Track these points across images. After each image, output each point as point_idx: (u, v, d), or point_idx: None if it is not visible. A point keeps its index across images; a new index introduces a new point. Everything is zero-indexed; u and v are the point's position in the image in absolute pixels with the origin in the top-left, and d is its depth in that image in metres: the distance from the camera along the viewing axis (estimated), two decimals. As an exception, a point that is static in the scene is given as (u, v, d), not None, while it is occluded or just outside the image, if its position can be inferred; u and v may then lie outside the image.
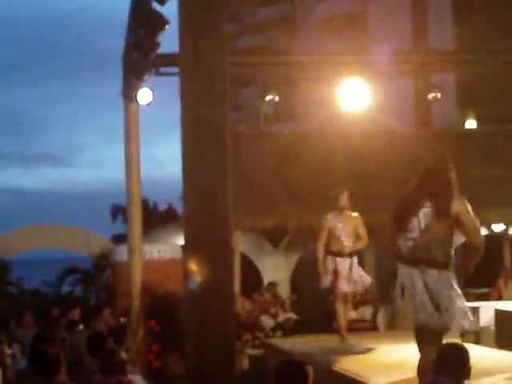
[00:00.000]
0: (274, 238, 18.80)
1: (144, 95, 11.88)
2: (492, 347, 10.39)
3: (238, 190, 10.71)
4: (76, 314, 13.27)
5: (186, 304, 7.25)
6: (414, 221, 7.06)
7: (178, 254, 13.82)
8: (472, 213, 7.06)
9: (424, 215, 7.05)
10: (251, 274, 18.16)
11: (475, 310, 10.88)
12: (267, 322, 14.91)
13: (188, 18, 6.94)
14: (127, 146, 12.72)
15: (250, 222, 14.33)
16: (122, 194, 12.97)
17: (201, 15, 6.89)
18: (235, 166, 8.55)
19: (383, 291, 13.90)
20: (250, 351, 13.15)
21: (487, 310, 11.37)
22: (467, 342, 8.49)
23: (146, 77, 11.50)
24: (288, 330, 14.51)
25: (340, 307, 10.81)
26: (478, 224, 7.11)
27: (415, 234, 7.04)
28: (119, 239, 29.92)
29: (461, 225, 7.02)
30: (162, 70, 12.16)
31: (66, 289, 22.08)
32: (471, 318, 7.28)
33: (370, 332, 13.21)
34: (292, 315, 15.35)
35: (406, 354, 9.22)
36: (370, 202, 13.01)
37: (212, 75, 6.85)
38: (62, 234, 23.97)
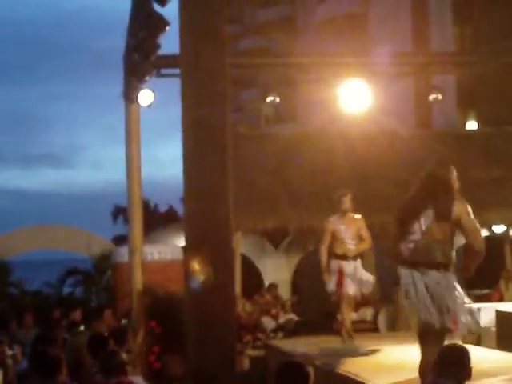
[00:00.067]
0: (275, 239, 18.79)
1: (145, 96, 11.90)
2: (493, 348, 10.39)
3: (238, 191, 10.73)
4: (77, 315, 13.29)
5: (187, 305, 7.26)
6: (416, 223, 7.09)
7: (179, 255, 13.80)
8: (472, 215, 7.08)
9: (425, 217, 7.08)
10: (252, 275, 18.16)
11: (476, 312, 10.87)
12: (268, 323, 14.91)
13: (189, 19, 6.95)
14: (128, 147, 12.74)
15: (250, 223, 14.33)
16: (123, 195, 12.99)
17: (201, 17, 6.90)
18: (236, 167, 8.57)
19: (384, 292, 13.91)
20: (251, 352, 13.15)
21: (488, 312, 11.36)
22: (468, 343, 8.48)
23: (146, 78, 11.52)
24: (289, 331, 14.51)
25: (346, 309, 10.82)
26: (478, 226, 7.13)
27: (416, 237, 7.07)
28: (120, 240, 29.94)
29: (461, 227, 7.05)
30: (163, 71, 12.18)
31: (66, 290, 22.09)
32: (477, 318, 7.32)
33: (370, 333, 13.21)
34: (293, 316, 15.35)
35: (407, 355, 9.22)
36: (371, 203, 13.02)
37: (213, 76, 6.86)
38: (63, 235, 23.99)
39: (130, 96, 12.24)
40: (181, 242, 12.89)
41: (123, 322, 13.05)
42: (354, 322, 12.08)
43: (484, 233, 13.20)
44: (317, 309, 15.11)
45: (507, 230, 17.08)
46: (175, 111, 7.29)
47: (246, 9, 46.41)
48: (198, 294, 6.72)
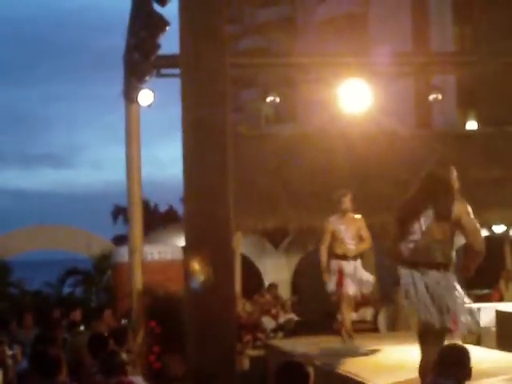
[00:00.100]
0: (275, 239, 18.79)
1: (145, 96, 11.90)
2: (493, 348, 10.40)
3: (238, 191, 10.73)
4: (77, 315, 13.29)
5: (187, 305, 7.26)
6: (416, 223, 7.10)
7: (179, 255, 13.80)
8: (472, 215, 7.09)
9: (425, 217, 7.09)
10: (252, 275, 18.16)
11: (476, 312, 10.87)
12: (268, 323, 14.92)
13: (189, 19, 6.95)
14: (128, 147, 12.74)
15: (250, 223, 14.33)
16: (123, 195, 12.99)
17: (201, 17, 6.89)
18: (236, 167, 8.57)
19: (384, 292, 13.91)
20: (251, 352, 13.15)
21: (488, 312, 11.36)
22: (468, 343, 8.48)
23: (146, 78, 11.52)
24: (289, 331, 14.52)
25: (346, 309, 10.82)
26: (478, 226, 7.15)
27: (416, 237, 7.08)
28: (120, 240, 29.94)
29: (461, 227, 7.06)
30: (163, 71, 12.18)
31: (66, 290, 22.09)
32: (477, 318, 7.33)
33: (370, 333, 13.21)
34: (293, 316, 15.36)
35: (407, 355, 9.22)
36: (371, 203, 13.02)
37: (213, 76, 6.86)
38: (63, 235, 24.00)
39: (130, 96, 12.24)
40: (181, 242, 12.90)
41: (123, 322, 13.05)
42: (353, 322, 12.08)
43: (484, 233, 13.20)
44: (317, 309, 15.11)
45: (507, 230, 17.08)
46: (175, 111, 7.29)
47: (246, 9, 46.41)
48: (198, 294, 6.72)
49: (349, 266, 10.67)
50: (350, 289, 10.69)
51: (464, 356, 5.59)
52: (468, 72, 17.40)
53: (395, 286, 12.14)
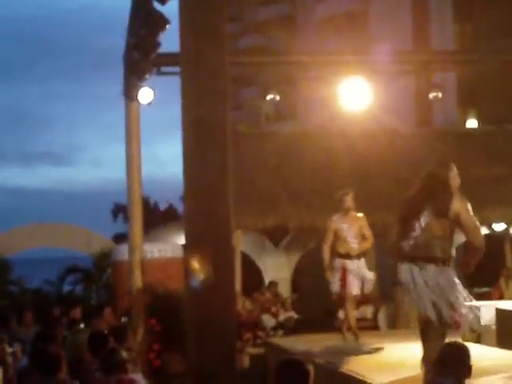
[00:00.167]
0: (275, 237, 18.80)
1: (145, 94, 11.89)
2: (493, 346, 10.40)
3: (238, 189, 10.72)
4: (77, 312, 13.29)
5: (187, 303, 7.25)
6: (416, 221, 7.18)
7: (179, 253, 13.81)
8: (472, 212, 7.14)
9: (425, 214, 7.15)
10: (252, 273, 18.17)
11: (476, 309, 10.88)
12: (268, 321, 14.92)
13: (189, 17, 6.94)
14: (128, 145, 12.73)
15: (250, 221, 14.33)
16: (123, 193, 12.99)
17: (202, 15, 6.89)
18: (236, 166, 8.57)
19: (384, 290, 13.91)
20: (251, 350, 13.16)
21: (488, 310, 11.36)
22: (468, 341, 8.49)
23: (146, 76, 11.51)
24: (289, 329, 14.52)
25: (350, 308, 10.80)
26: (477, 224, 7.20)
27: (417, 233, 7.15)
28: (120, 239, 29.93)
29: (461, 224, 7.11)
30: (163, 69, 12.17)
31: (66, 288, 22.09)
32: (477, 315, 7.39)
33: (371, 331, 13.20)
34: (293, 314, 15.37)
35: (407, 352, 9.23)
36: (371, 201, 13.01)
37: (213, 75, 6.85)
38: (63, 232, 24.00)
39: (130, 94, 12.23)
40: (181, 240, 12.90)
41: (123, 319, 13.06)
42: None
43: (484, 231, 13.21)
44: (317, 307, 15.12)
45: (507, 228, 17.08)
46: (175, 109, 7.29)
47: (247, 7, 46.37)
48: (198, 292, 6.72)
49: (352, 265, 10.66)
50: (354, 288, 10.68)
51: (464, 354, 5.59)
52: (468, 70, 17.39)
53: (395, 285, 12.17)
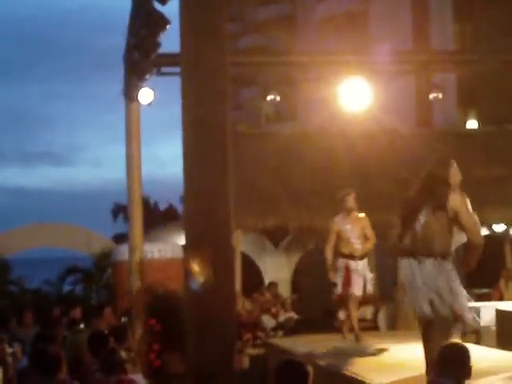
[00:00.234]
0: (275, 237, 18.79)
1: (145, 95, 11.89)
2: (493, 347, 10.39)
3: (238, 189, 10.71)
4: (77, 312, 13.28)
5: (187, 303, 7.26)
6: (416, 219, 7.30)
7: (179, 253, 13.80)
8: (471, 208, 7.23)
9: (424, 212, 7.28)
10: (252, 273, 18.16)
11: (476, 310, 10.89)
12: (268, 321, 14.91)
13: (189, 17, 6.94)
14: (128, 145, 12.74)
15: (250, 221, 14.32)
16: (123, 193, 12.99)
17: (202, 15, 6.89)
18: (236, 166, 8.57)
19: (384, 291, 13.91)
20: (251, 351, 13.15)
21: (488, 311, 11.37)
22: (468, 341, 8.48)
23: (147, 76, 11.51)
24: (289, 329, 14.51)
25: (354, 309, 10.78)
26: (476, 220, 7.28)
27: (416, 230, 7.29)
28: (120, 239, 29.91)
29: (460, 221, 7.20)
30: (163, 69, 12.17)
31: (66, 288, 22.07)
32: (474, 315, 7.46)
33: (371, 332, 13.19)
34: (293, 315, 15.35)
35: (407, 353, 9.23)
36: (372, 201, 13.00)
37: (213, 75, 6.85)
38: (63, 232, 23.99)
39: (130, 94, 12.23)
40: (181, 240, 12.90)
41: (123, 320, 13.05)
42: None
43: (484, 232, 13.21)
44: (317, 307, 15.11)
45: (507, 229, 17.07)
46: (175, 109, 7.29)
47: (247, 7, 46.36)
48: (198, 293, 6.72)
49: (356, 266, 10.65)
50: (358, 289, 10.67)
51: (464, 355, 5.58)
52: (468, 70, 17.38)
53: (395, 285, 12.19)
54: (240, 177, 12.28)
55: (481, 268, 7.45)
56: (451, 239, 7.36)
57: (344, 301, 10.84)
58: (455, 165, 7.42)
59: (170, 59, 11.53)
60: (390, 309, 14.09)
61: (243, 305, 14.86)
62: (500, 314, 11.14)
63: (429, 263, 7.24)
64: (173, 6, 8.36)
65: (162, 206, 50.58)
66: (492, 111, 23.31)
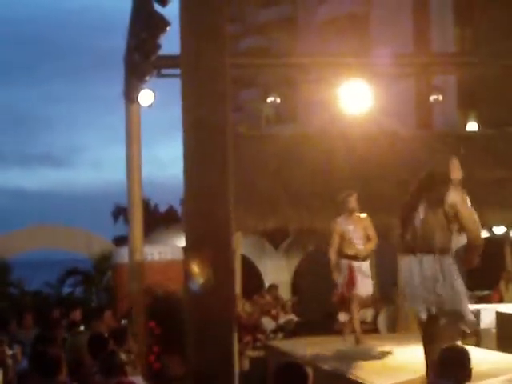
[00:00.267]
0: (275, 239, 18.78)
1: (145, 96, 11.90)
2: (493, 350, 10.39)
3: (239, 191, 10.70)
4: (77, 314, 13.28)
5: (187, 305, 7.25)
6: (416, 217, 7.41)
7: (179, 255, 13.80)
8: (469, 204, 7.30)
9: (422, 208, 7.37)
10: (252, 275, 18.14)
11: (476, 313, 10.88)
12: (268, 323, 14.90)
13: (189, 19, 6.94)
14: (128, 147, 12.73)
15: (251, 223, 14.32)
16: (124, 195, 12.99)
17: (202, 16, 6.88)
18: (236, 168, 8.56)
19: (384, 293, 13.90)
20: (251, 353, 13.15)
21: (488, 313, 11.37)
22: (468, 344, 8.47)
23: (147, 78, 11.52)
24: (289, 331, 14.50)
25: (356, 311, 10.77)
26: (476, 217, 7.32)
27: (416, 226, 7.36)
28: (120, 241, 29.91)
29: (459, 219, 7.24)
30: (164, 71, 12.17)
31: (66, 290, 22.07)
32: (472, 314, 7.53)
33: (371, 334, 13.18)
34: (293, 317, 15.35)
35: (407, 355, 9.22)
36: (372, 203, 12.99)
37: (213, 76, 6.85)
38: (63, 234, 23.98)
39: (130, 96, 12.24)
40: (181, 242, 12.90)
41: (123, 322, 13.05)
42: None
43: (484, 234, 13.19)
44: (317, 309, 15.10)
45: (508, 232, 17.06)
46: (176, 111, 7.28)
47: (247, 8, 46.41)
48: (198, 295, 6.71)
49: (360, 267, 10.64)
50: (364, 290, 10.66)
51: (464, 357, 5.58)
52: (469, 73, 17.40)
53: (395, 285, 12.19)
54: (240, 178, 12.27)
55: (481, 270, 7.47)
56: (451, 235, 7.43)
57: (345, 302, 10.83)
58: (456, 162, 7.49)
59: (171, 61, 11.53)
60: (390, 311, 14.09)
61: (243, 307, 14.84)
62: (500, 316, 11.14)
63: (428, 260, 7.31)
64: (173, 7, 8.39)
65: (163, 208, 50.59)
66: (492, 114, 23.34)
